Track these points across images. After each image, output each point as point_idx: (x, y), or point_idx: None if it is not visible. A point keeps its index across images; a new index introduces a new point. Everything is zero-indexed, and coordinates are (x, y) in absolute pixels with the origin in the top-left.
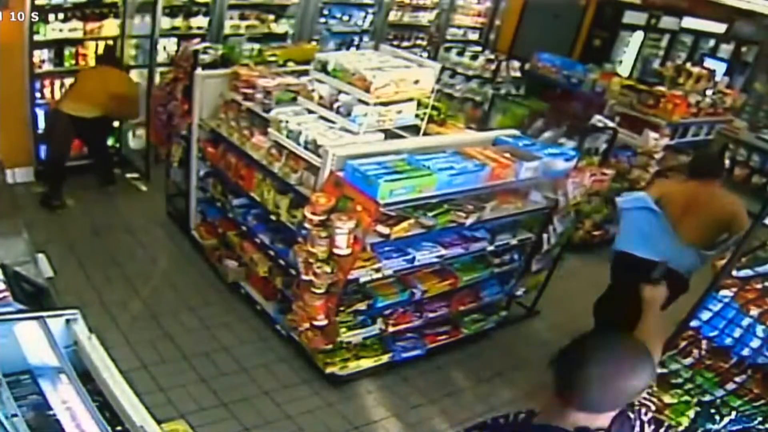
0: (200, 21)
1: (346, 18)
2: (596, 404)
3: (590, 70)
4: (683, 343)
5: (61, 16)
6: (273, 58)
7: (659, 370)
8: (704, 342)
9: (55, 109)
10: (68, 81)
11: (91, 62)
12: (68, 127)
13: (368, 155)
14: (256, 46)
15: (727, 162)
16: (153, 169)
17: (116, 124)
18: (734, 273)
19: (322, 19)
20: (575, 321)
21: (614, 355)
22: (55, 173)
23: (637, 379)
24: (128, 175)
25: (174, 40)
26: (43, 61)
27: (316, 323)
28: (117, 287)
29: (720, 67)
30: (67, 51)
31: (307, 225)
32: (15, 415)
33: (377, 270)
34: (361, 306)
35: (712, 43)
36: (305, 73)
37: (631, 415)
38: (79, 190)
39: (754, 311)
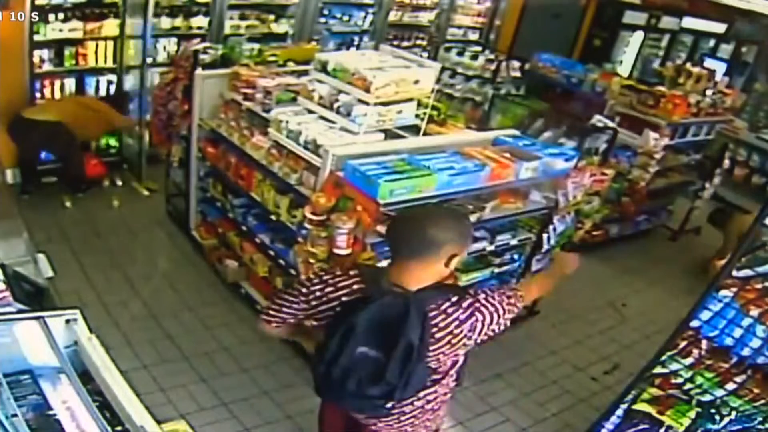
0: (200, 21)
1: (346, 18)
2: (403, 248)
3: (590, 70)
4: (683, 343)
5: (61, 16)
6: (273, 58)
7: (659, 370)
8: (704, 342)
9: (18, 115)
10: (68, 81)
11: (91, 62)
12: (30, 134)
13: (368, 155)
14: (256, 46)
15: (727, 162)
16: (153, 170)
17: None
18: (734, 273)
19: (322, 19)
20: (575, 321)
21: (423, 210)
22: (25, 170)
23: (437, 228)
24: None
25: (174, 40)
26: (43, 61)
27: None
28: (117, 287)
29: (720, 67)
30: (67, 51)
31: (307, 225)
32: (15, 415)
33: None
34: None
35: (712, 43)
36: (305, 73)
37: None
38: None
39: (754, 311)
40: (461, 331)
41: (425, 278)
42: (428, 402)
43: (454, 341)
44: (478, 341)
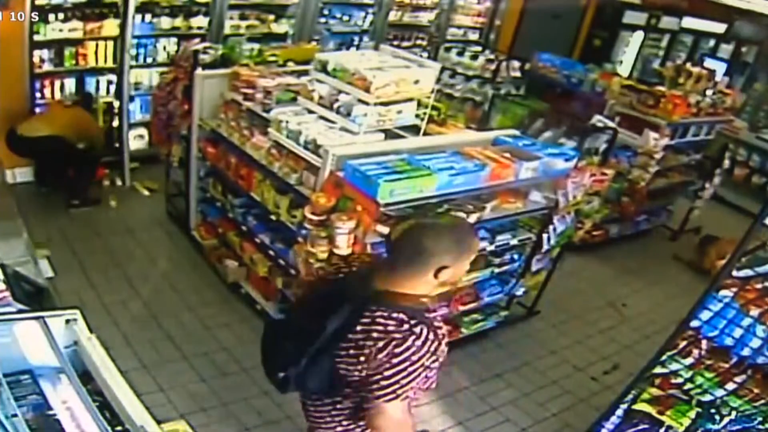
0: (200, 21)
1: (346, 18)
2: (394, 253)
3: (590, 70)
4: (683, 343)
5: (61, 16)
6: (273, 58)
7: (659, 370)
8: (704, 342)
9: (12, 131)
10: (68, 81)
11: (91, 62)
12: (32, 151)
13: (368, 155)
14: (256, 46)
15: (727, 162)
16: (153, 170)
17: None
18: (734, 273)
19: (322, 19)
20: (575, 321)
21: (428, 220)
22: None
23: (429, 238)
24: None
25: (174, 40)
26: (43, 61)
27: None
28: (117, 287)
29: (720, 67)
30: (67, 51)
31: (307, 225)
32: (15, 415)
33: None
34: None
35: (712, 43)
36: (305, 73)
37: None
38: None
39: (754, 311)
40: (363, 344)
41: (408, 287)
42: (339, 410)
43: (352, 351)
44: (359, 368)
